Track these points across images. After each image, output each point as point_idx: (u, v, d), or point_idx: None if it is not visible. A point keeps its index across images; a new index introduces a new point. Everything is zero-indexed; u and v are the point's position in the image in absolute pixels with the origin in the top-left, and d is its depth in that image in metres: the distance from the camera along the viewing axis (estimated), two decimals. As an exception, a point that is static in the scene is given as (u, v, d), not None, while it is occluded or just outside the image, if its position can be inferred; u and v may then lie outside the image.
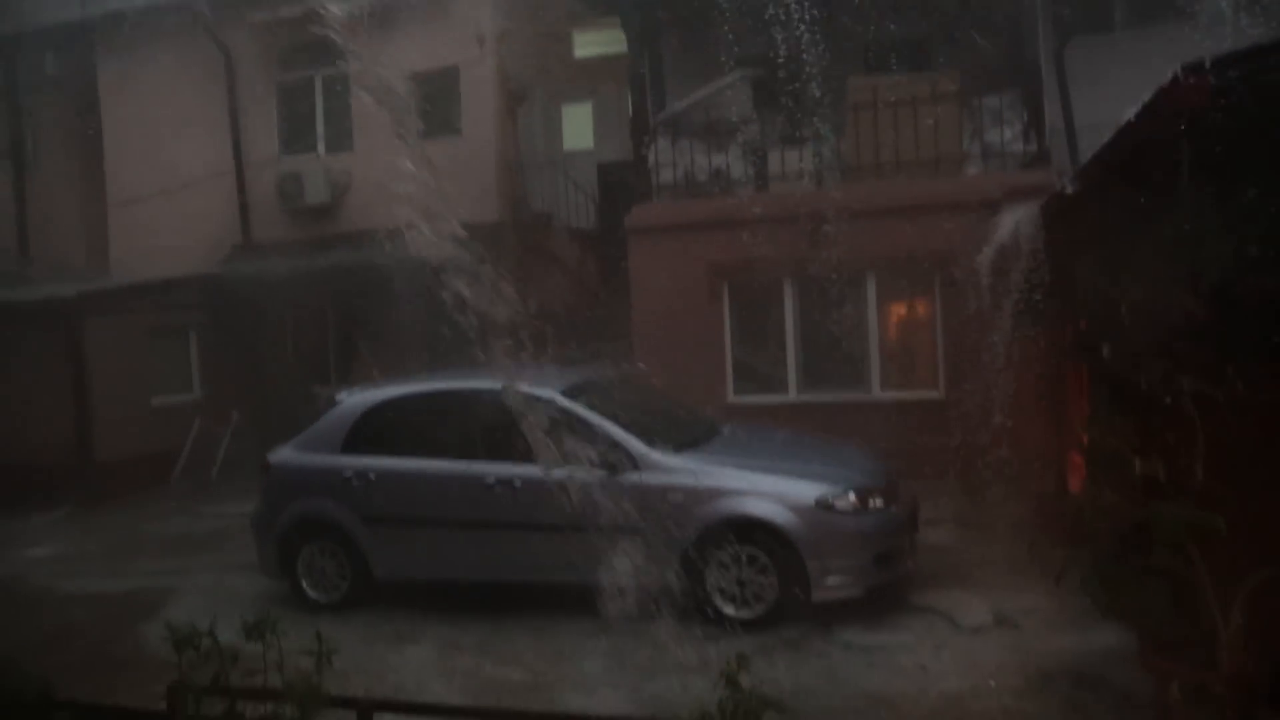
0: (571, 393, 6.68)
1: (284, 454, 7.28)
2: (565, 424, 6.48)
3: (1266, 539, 3.76)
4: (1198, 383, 4.10)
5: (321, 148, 13.12)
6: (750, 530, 6.02)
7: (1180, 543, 3.82)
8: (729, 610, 6.02)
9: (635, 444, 6.34)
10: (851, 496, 6.05)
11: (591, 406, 6.59)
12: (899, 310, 10.45)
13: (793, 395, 10.40)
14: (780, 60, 11.63)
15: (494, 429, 6.98)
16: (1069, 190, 6.57)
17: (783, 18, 9.61)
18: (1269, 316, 3.73)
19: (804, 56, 11.97)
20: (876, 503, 6.12)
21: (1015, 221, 8.57)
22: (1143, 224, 4.66)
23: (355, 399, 7.26)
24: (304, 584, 7.01)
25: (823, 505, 5.98)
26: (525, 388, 6.74)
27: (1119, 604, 4.59)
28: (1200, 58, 3.69)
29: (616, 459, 6.29)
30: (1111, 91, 5.96)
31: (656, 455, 6.31)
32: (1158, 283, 4.32)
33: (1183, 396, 4.12)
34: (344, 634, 6.35)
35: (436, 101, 12.64)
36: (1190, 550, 3.87)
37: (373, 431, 7.03)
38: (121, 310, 11.87)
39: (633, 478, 6.23)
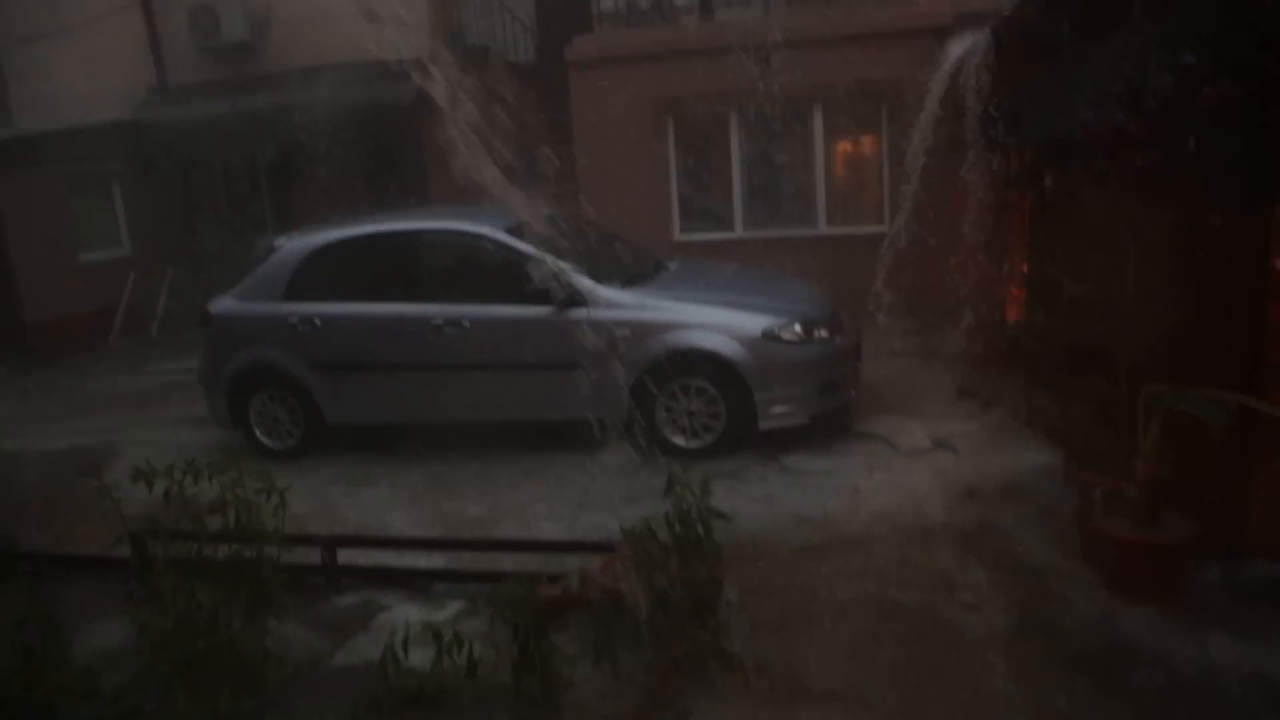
0: (515, 230, 6.59)
1: (225, 304, 7.14)
2: (510, 261, 6.42)
3: (1184, 357, 3.93)
4: (1132, 206, 4.18)
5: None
6: (698, 362, 6.11)
7: (1102, 358, 3.98)
8: (678, 441, 6.19)
9: (582, 280, 6.32)
10: (797, 328, 6.14)
11: (536, 243, 6.52)
12: (846, 143, 10.34)
13: (739, 232, 10.39)
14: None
15: (439, 269, 6.93)
16: (1016, 13, 6.42)
17: None
18: (1204, 134, 3.75)
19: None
20: (821, 334, 6.23)
21: (964, 48, 8.39)
22: (1086, 46, 4.59)
23: (295, 244, 7.07)
24: (257, 432, 7.04)
25: (769, 336, 6.08)
26: (468, 226, 6.66)
27: (1047, 423, 4.82)
28: None
29: (564, 295, 6.28)
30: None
31: (604, 290, 6.31)
32: (1098, 104, 4.30)
33: (1117, 222, 4.19)
34: (302, 478, 6.52)
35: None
36: (1116, 370, 4.05)
37: (315, 277, 6.89)
38: (30, 161, 11.14)
39: (581, 313, 6.25)
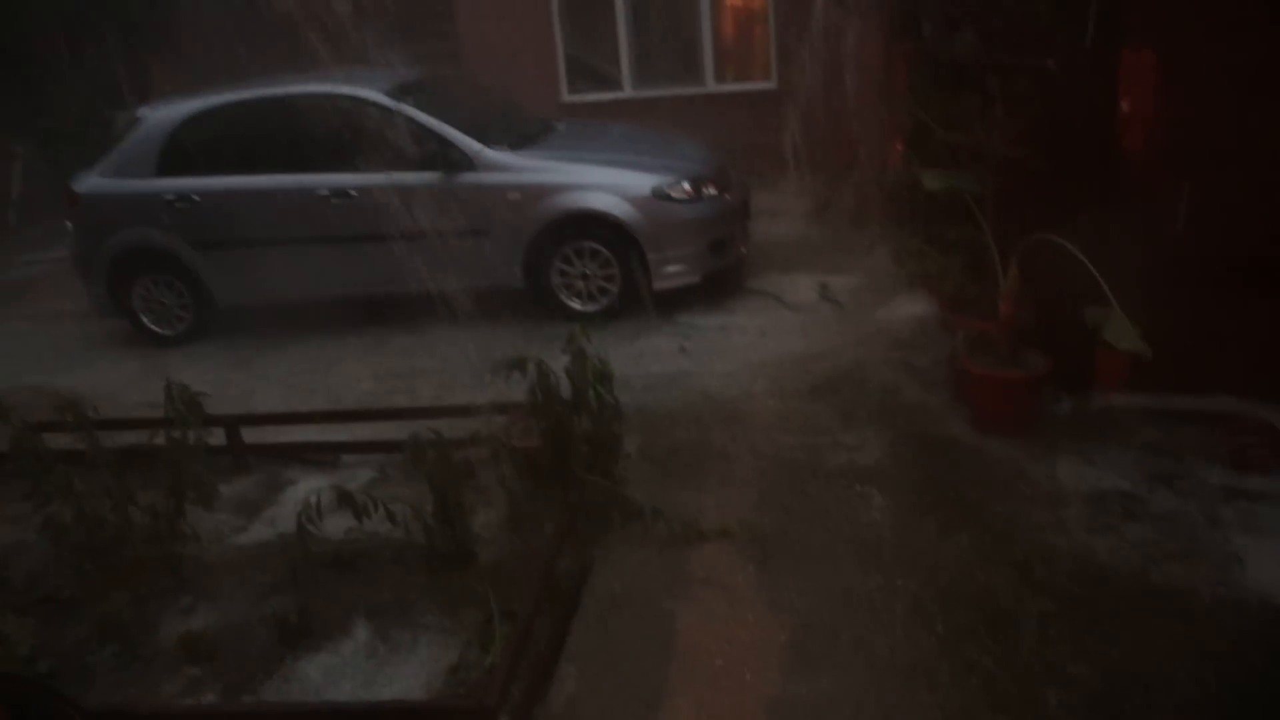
0: (397, 93, 6.38)
1: (92, 182, 6.75)
2: (394, 126, 6.24)
3: (1043, 201, 4.19)
4: (996, 55, 4.33)
5: None
6: (590, 223, 6.14)
7: (971, 207, 4.21)
8: (575, 305, 6.29)
9: (470, 143, 6.21)
10: (686, 185, 6.21)
11: (420, 106, 6.35)
12: (732, -4, 10.17)
13: (627, 91, 10.24)
14: None
15: (320, 137, 6.66)
16: None
17: None
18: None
19: None
20: (710, 191, 6.32)
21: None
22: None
23: (161, 114, 6.69)
24: (144, 319, 6.82)
25: (659, 195, 6.13)
26: (347, 89, 6.41)
27: (924, 271, 5.09)
28: None
29: (451, 159, 6.18)
30: None
31: (492, 153, 6.23)
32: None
33: (984, 71, 4.35)
34: (196, 362, 6.41)
35: None
36: (980, 218, 4.30)
37: (188, 149, 6.55)
38: None
39: (469, 177, 6.17)
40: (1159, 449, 4.01)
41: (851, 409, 4.67)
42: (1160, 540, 3.45)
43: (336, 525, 3.60)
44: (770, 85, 9.92)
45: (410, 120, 6.24)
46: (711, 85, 10.11)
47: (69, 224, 6.88)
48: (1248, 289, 3.88)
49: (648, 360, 5.59)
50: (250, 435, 4.79)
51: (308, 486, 4.40)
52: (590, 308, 6.27)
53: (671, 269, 6.20)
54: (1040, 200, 4.20)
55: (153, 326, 6.82)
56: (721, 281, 6.55)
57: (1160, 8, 3.77)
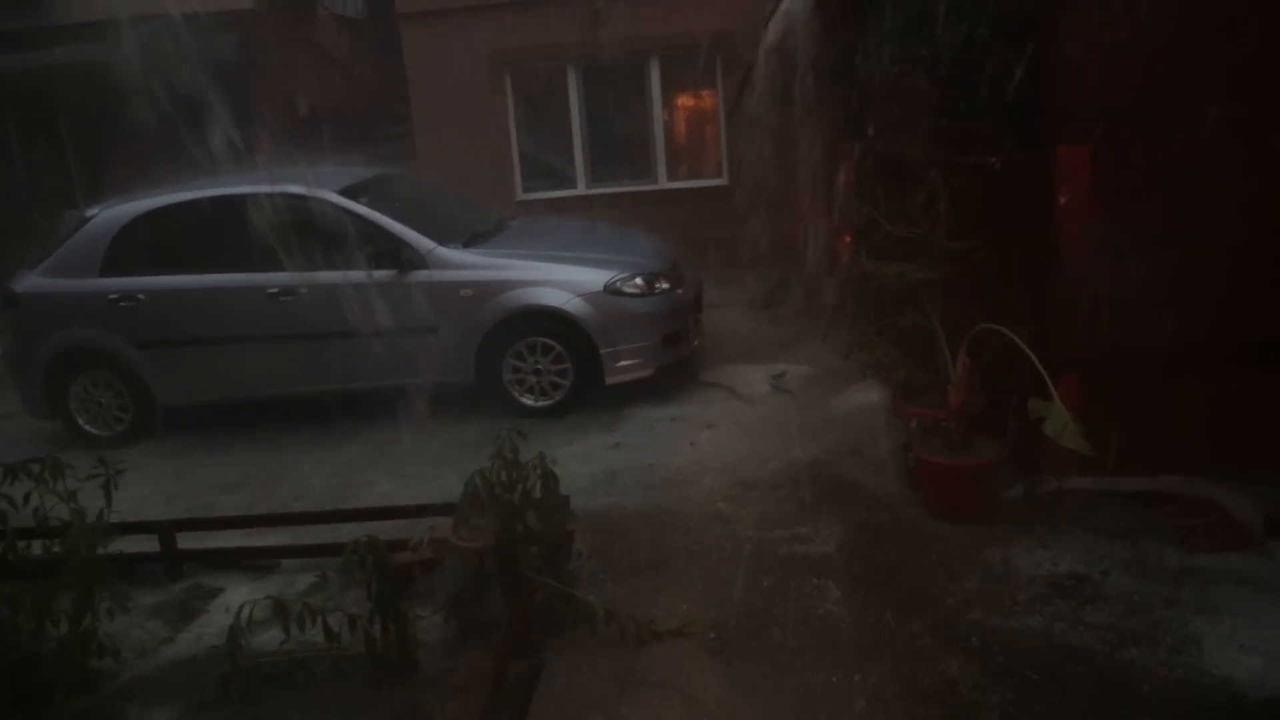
0: (350, 192, 6.39)
1: (32, 281, 6.63)
2: (347, 225, 6.24)
3: (987, 291, 4.26)
4: (941, 154, 4.45)
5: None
6: (543, 319, 6.13)
7: (919, 298, 4.26)
8: (527, 401, 6.22)
9: (422, 240, 6.22)
10: (639, 280, 6.25)
11: (373, 206, 6.36)
12: (684, 97, 10.48)
13: (582, 188, 10.42)
14: None
15: (271, 236, 6.61)
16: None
17: None
18: (995, 93, 4.06)
19: None
20: (663, 286, 6.36)
21: (791, 2, 8.63)
22: (890, 6, 4.81)
23: (110, 213, 6.62)
24: (79, 420, 6.63)
25: (611, 290, 6.15)
26: (300, 188, 6.41)
27: (875, 362, 5.11)
28: None
29: (404, 257, 6.17)
30: None
31: (445, 251, 6.23)
32: (900, 63, 4.55)
33: (928, 167, 4.46)
34: (133, 464, 6.20)
35: None
36: (928, 309, 4.34)
37: (135, 248, 6.49)
38: None
39: (422, 275, 6.15)
40: (1112, 531, 3.99)
41: (806, 500, 4.61)
42: (1117, 623, 3.40)
43: (273, 635, 3.42)
44: (721, 181, 10.15)
45: (362, 219, 6.24)
46: (664, 182, 10.32)
47: (4, 323, 6.71)
48: (1187, 370, 3.94)
49: (597, 455, 5.50)
50: (186, 540, 4.60)
51: (242, 594, 4.20)
52: (543, 403, 6.21)
53: (625, 363, 6.18)
54: (986, 290, 4.27)
55: (88, 428, 6.62)
56: (675, 374, 6.53)
57: (1092, 107, 3.92)
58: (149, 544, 4.50)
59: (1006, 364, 4.02)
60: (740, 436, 5.58)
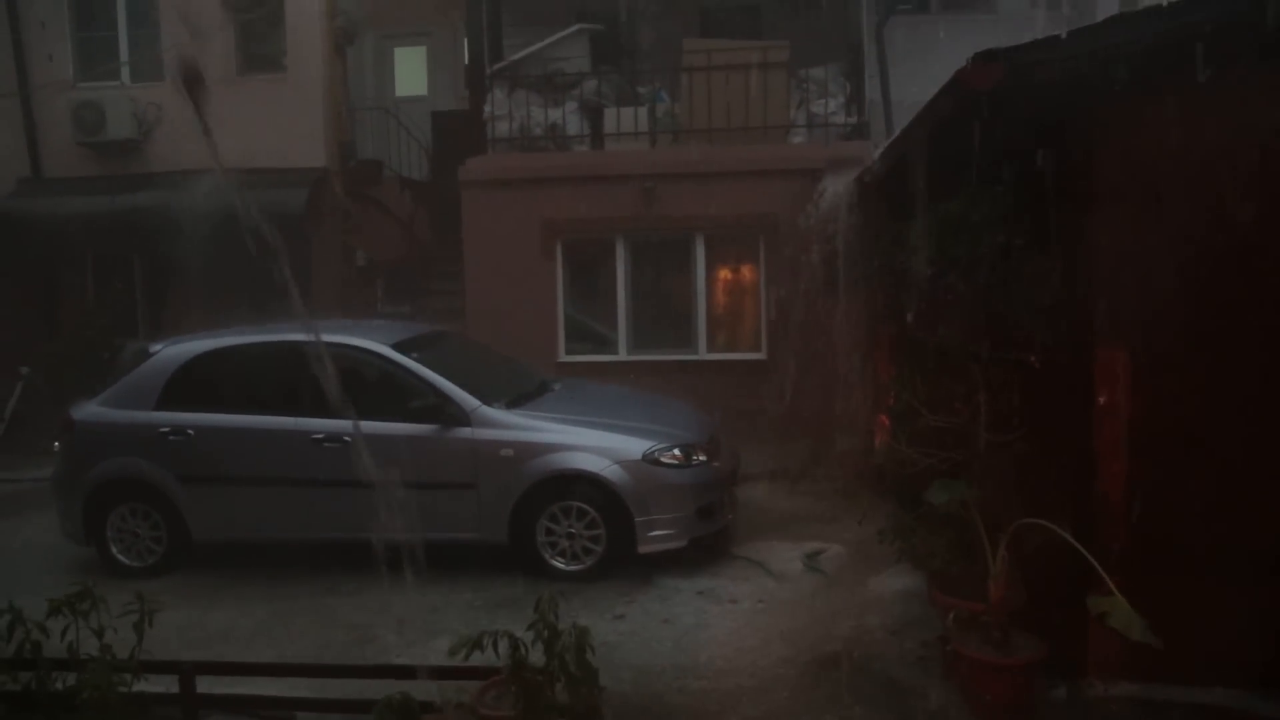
0: (402, 347, 6.62)
1: (90, 410, 6.86)
2: (396, 378, 6.43)
3: (1027, 485, 4.27)
4: (981, 349, 4.58)
5: (126, 76, 12.15)
6: (579, 484, 6.18)
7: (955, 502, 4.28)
8: (559, 564, 6.19)
9: (467, 398, 6.37)
10: (677, 451, 6.31)
11: (423, 361, 6.56)
12: (726, 272, 10.84)
13: (623, 355, 10.64)
14: (620, 17, 11.64)
15: (323, 384, 6.82)
16: (875, 167, 7.02)
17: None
18: (1031, 296, 4.21)
19: (642, 14, 12.12)
20: (700, 458, 6.41)
21: (834, 190, 9.07)
22: (932, 202, 5.07)
23: (172, 350, 6.90)
24: (113, 549, 6.68)
25: (649, 460, 6.21)
26: (356, 340, 6.65)
27: (911, 548, 5.08)
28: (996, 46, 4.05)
29: (448, 413, 6.30)
30: (926, 70, 6.38)
31: (488, 410, 6.36)
32: (936, 264, 4.75)
33: (968, 361, 4.58)
34: (162, 598, 6.18)
35: (258, 34, 11.98)
36: (966, 499, 4.35)
37: (192, 386, 6.72)
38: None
39: (464, 433, 6.27)
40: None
41: (839, 690, 4.47)
42: None
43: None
44: (760, 356, 10.34)
45: (411, 373, 6.43)
46: (704, 353, 10.53)
47: (58, 446, 6.89)
48: (1236, 577, 3.87)
49: (626, 623, 5.42)
50: (206, 685, 4.53)
51: (260, 747, 4.12)
52: (574, 567, 6.17)
53: (658, 533, 6.16)
54: (1024, 483, 4.28)
55: (120, 557, 6.67)
56: (707, 546, 6.48)
57: (1130, 312, 4.04)
58: (169, 683, 4.44)
59: (1047, 559, 3.99)
60: (770, 616, 5.48)
